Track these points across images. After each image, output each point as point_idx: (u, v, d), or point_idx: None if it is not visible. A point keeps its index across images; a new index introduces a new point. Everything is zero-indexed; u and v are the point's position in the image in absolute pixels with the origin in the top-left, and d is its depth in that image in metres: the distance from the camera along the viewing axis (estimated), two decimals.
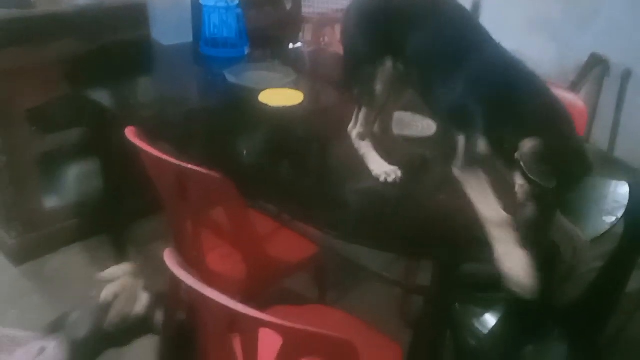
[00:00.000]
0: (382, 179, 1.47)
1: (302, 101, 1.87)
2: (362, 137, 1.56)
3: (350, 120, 1.59)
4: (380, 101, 1.51)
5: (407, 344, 1.51)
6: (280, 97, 1.87)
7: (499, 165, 1.23)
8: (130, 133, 1.58)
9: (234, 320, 1.09)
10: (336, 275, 2.29)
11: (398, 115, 1.68)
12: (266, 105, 1.83)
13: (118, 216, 2.50)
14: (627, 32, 2.68)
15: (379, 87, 1.48)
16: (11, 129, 2.21)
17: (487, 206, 1.23)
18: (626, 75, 2.73)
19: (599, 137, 2.62)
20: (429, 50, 1.39)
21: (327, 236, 1.54)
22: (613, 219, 1.38)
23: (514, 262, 1.15)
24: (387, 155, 1.52)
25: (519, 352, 1.12)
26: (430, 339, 1.46)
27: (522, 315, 1.53)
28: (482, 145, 1.23)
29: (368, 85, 1.49)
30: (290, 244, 1.81)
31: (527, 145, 1.12)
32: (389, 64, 1.46)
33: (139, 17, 2.28)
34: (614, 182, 1.56)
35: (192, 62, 2.29)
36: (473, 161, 1.26)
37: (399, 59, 1.45)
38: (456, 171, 1.30)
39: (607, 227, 1.36)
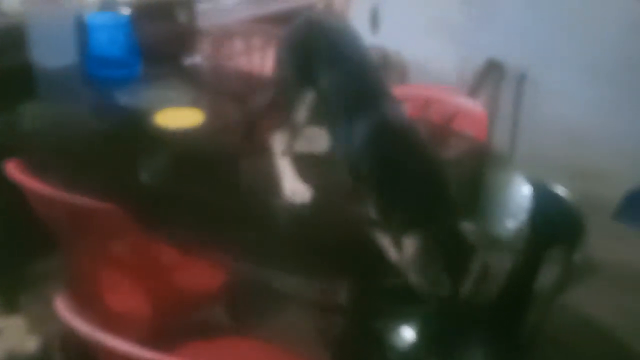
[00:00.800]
0: (290, 198, 1.45)
1: (202, 121, 1.81)
2: (282, 154, 1.56)
3: (255, 137, 1.57)
4: (301, 124, 1.56)
5: None
6: (179, 117, 1.81)
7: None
8: (12, 168, 1.47)
9: None
10: (252, 302, 2.24)
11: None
12: (164, 127, 1.76)
13: (5, 260, 2.32)
14: (522, 35, 2.83)
15: (300, 112, 1.53)
16: None
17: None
18: (522, 78, 2.88)
19: (500, 139, 2.74)
20: (335, 94, 1.45)
21: (237, 262, 1.50)
22: (517, 221, 1.43)
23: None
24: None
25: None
26: (350, 358, 1.45)
27: (441, 323, 1.56)
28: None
29: (290, 108, 1.54)
30: (198, 274, 1.73)
31: (410, 246, 1.16)
32: (310, 94, 1.51)
33: (15, 39, 2.13)
34: (516, 186, 1.62)
35: (80, 85, 2.16)
36: None
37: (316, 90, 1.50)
38: None
39: (512, 229, 1.40)
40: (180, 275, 1.68)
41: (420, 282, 1.18)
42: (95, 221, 1.40)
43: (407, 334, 1.57)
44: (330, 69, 1.47)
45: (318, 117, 1.55)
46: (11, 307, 2.25)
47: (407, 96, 1.96)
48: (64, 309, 1.02)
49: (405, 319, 1.62)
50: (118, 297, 1.63)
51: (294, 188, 1.47)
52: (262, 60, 2.58)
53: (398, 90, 1.68)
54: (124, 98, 1.91)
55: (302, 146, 1.60)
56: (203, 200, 1.56)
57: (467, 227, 1.19)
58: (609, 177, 3.20)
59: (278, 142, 1.57)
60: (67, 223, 1.45)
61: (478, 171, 1.83)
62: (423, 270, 1.15)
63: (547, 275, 1.55)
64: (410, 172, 1.24)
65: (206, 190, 1.60)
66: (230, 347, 1.48)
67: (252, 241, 1.37)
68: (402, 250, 1.18)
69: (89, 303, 1.60)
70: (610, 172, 3.21)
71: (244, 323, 1.91)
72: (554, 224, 1.52)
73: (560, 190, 1.59)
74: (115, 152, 1.71)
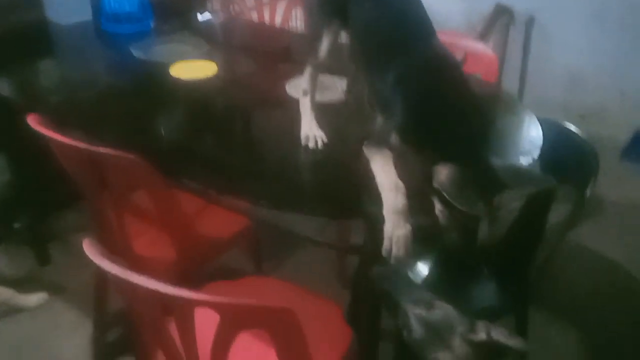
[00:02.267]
0: (304, 142, 1.45)
1: (217, 72, 1.80)
2: (305, 93, 1.53)
3: (269, 87, 1.56)
4: (321, 60, 1.50)
5: (347, 304, 1.53)
6: (193, 69, 1.80)
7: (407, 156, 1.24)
8: (33, 121, 1.47)
9: (166, 304, 1.05)
10: (271, 246, 2.27)
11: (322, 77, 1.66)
12: (179, 79, 1.76)
13: (33, 212, 2.36)
14: None
15: (324, 45, 1.48)
16: None
17: (387, 182, 1.22)
18: (530, 23, 2.82)
19: (509, 83, 2.70)
20: (369, 29, 1.38)
21: (257, 207, 1.51)
22: (530, 159, 1.43)
23: (397, 237, 1.18)
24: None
25: (452, 296, 1.15)
26: (367, 295, 1.48)
27: (453, 260, 1.58)
28: (394, 139, 1.24)
29: (315, 43, 1.49)
30: (219, 220, 1.76)
31: (443, 173, 1.13)
32: (335, 27, 1.46)
33: None
34: (527, 125, 1.61)
35: (95, 41, 2.16)
36: (382, 143, 1.26)
37: (345, 25, 1.44)
38: (365, 146, 1.30)
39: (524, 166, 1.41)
40: (203, 222, 1.72)
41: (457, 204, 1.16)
42: (118, 170, 1.41)
43: (422, 271, 1.60)
44: (363, 3, 1.39)
45: (350, 52, 1.49)
46: (42, 259, 2.30)
47: None
48: (92, 253, 1.03)
49: (419, 257, 1.65)
50: (144, 244, 1.66)
51: (311, 132, 1.46)
52: (272, 15, 2.54)
53: None
54: (139, 52, 1.89)
55: (319, 95, 1.59)
56: (220, 149, 1.57)
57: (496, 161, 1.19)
58: (614, 118, 3.17)
59: (295, 87, 1.54)
60: (91, 173, 1.46)
61: (491, 112, 1.82)
62: (457, 196, 1.13)
63: (558, 212, 1.56)
64: (456, 106, 1.21)
65: (222, 139, 1.61)
66: (251, 287, 1.51)
67: (270, 187, 1.38)
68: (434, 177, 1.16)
69: (117, 251, 1.64)
70: (615, 113, 3.18)
71: (265, 266, 1.94)
72: (567, 160, 1.52)
73: (572, 128, 1.57)
74: (132, 104, 1.71)
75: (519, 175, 1.27)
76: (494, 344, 1.05)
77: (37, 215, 2.36)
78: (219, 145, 1.60)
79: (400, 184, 1.21)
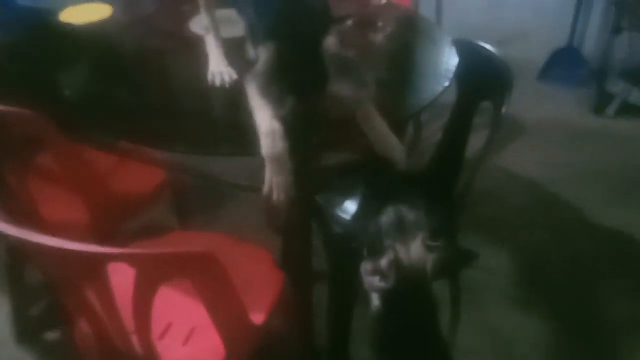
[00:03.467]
0: (212, 80, 1.36)
1: (112, 15, 1.65)
2: (207, 30, 1.45)
3: (171, 27, 1.44)
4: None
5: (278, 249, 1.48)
6: (86, 13, 1.63)
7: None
8: None
9: (77, 264, 0.96)
10: (202, 200, 2.19)
11: (223, 13, 1.54)
12: (70, 24, 1.59)
13: None
14: None
15: None
16: None
17: (264, 125, 1.15)
18: None
19: (426, 10, 2.64)
20: None
21: (173, 156, 1.41)
22: (446, 83, 1.39)
23: (276, 183, 1.14)
24: None
25: (382, 228, 1.11)
26: (298, 236, 1.43)
27: (379, 192, 1.55)
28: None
29: None
30: (135, 176, 1.64)
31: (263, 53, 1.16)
32: None
33: None
34: (444, 50, 1.57)
35: None
36: (259, 79, 1.19)
37: None
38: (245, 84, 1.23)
39: (441, 89, 1.37)
40: (115, 179, 1.60)
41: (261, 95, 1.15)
42: (12, 129, 1.27)
43: (350, 206, 1.56)
44: None
45: None
46: None
47: None
48: None
49: (346, 193, 1.61)
50: (55, 209, 1.52)
51: (218, 69, 1.37)
52: None
53: None
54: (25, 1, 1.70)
55: (225, 31, 1.48)
56: (126, 96, 1.44)
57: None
58: (532, 39, 3.20)
59: (199, 25, 1.44)
60: None
61: (406, 36, 1.77)
62: (266, 82, 1.13)
63: (477, 132, 1.54)
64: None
65: (128, 85, 1.48)
66: (176, 240, 1.43)
67: (182, 130, 1.28)
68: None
69: (25, 220, 1.50)
70: (533, 34, 3.21)
71: (197, 221, 1.85)
72: (483, 80, 1.49)
73: (488, 49, 1.54)
74: (23, 59, 1.55)
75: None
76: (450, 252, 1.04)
77: None
78: (124, 92, 1.47)
79: (278, 126, 1.13)
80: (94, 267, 0.97)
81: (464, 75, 1.48)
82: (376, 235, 1.10)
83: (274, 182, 1.14)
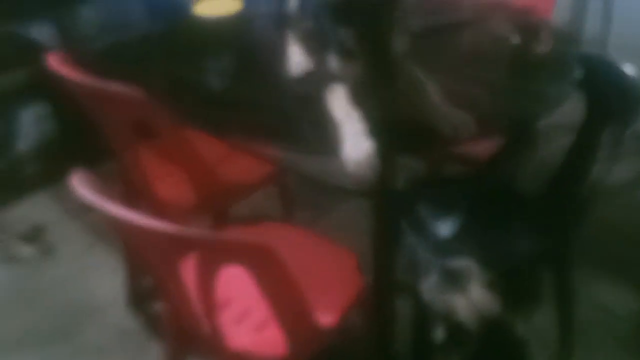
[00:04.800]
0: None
1: (240, 9, 1.71)
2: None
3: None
4: None
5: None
6: (217, 6, 1.71)
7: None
8: (52, 60, 1.44)
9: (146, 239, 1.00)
10: (312, 196, 2.20)
11: None
12: (202, 16, 1.68)
13: (80, 159, 2.39)
14: None
15: None
16: None
17: (339, 112, 1.17)
18: None
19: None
20: None
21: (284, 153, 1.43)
22: (568, 96, 1.27)
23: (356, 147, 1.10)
24: None
25: (484, 247, 1.04)
26: (381, 243, 1.38)
27: (485, 208, 1.45)
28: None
29: None
30: (243, 165, 1.70)
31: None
32: None
33: None
34: (574, 55, 1.43)
35: None
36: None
37: None
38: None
39: (568, 94, 1.27)
40: (224, 166, 1.65)
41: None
42: (126, 108, 1.36)
43: (446, 221, 1.47)
44: None
45: None
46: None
47: None
48: (78, 185, 0.98)
49: (448, 205, 1.52)
50: (167, 187, 1.62)
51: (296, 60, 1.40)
52: None
53: None
54: None
55: None
56: (244, 89, 1.48)
57: None
58: None
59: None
60: (104, 112, 1.42)
61: (527, 43, 1.63)
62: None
63: (600, 152, 1.38)
64: None
65: (247, 81, 1.52)
66: (263, 230, 1.44)
67: (297, 129, 1.28)
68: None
69: (140, 195, 1.62)
70: None
71: (303, 216, 1.87)
72: (612, 99, 1.33)
73: (627, 68, 1.37)
74: (159, 47, 1.65)
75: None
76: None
77: (83, 162, 2.39)
78: (243, 86, 1.51)
79: (354, 112, 1.15)
80: (162, 243, 0.99)
81: (591, 92, 1.34)
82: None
83: (352, 160, 1.11)
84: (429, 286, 1.03)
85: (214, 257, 0.96)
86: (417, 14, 1.27)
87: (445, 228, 1.45)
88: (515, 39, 1.51)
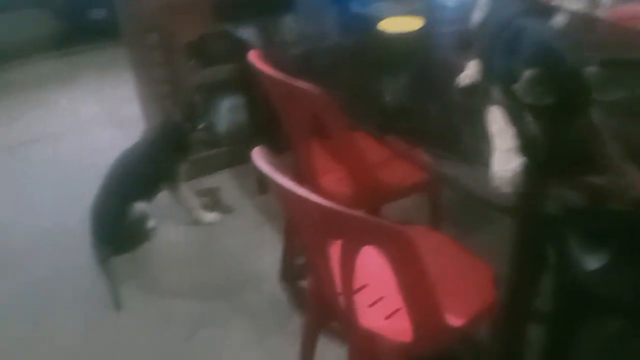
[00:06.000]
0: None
1: (422, 27, 1.81)
2: None
3: None
4: None
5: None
6: (401, 24, 1.83)
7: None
8: (253, 55, 1.67)
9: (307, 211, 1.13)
10: (460, 215, 2.22)
11: None
12: (385, 32, 1.81)
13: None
14: None
15: None
16: (174, 61, 2.45)
17: (496, 128, 1.22)
18: None
19: None
20: None
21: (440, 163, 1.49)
22: None
23: (504, 163, 1.14)
24: None
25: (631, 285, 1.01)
26: (528, 262, 1.37)
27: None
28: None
29: None
30: (401, 170, 1.79)
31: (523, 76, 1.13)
32: None
33: None
34: None
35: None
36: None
37: None
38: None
39: None
40: (384, 168, 1.75)
41: None
42: (304, 103, 1.51)
43: (597, 253, 1.41)
44: None
45: None
46: (262, 189, 2.61)
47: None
48: (257, 156, 1.15)
49: (595, 237, 1.45)
50: (331, 180, 1.77)
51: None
52: None
53: None
54: (357, 8, 1.98)
55: None
56: (416, 100, 1.56)
57: None
58: None
59: None
60: (286, 104, 1.60)
61: None
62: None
63: None
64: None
65: (419, 92, 1.60)
66: (414, 230, 1.50)
67: (460, 142, 1.35)
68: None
69: (306, 184, 1.78)
70: None
71: (440, 225, 1.91)
72: None
73: None
74: (345, 55, 1.80)
75: None
76: None
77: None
78: (416, 96, 1.60)
79: (508, 129, 1.19)
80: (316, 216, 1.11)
81: None
82: None
83: (499, 174, 1.15)
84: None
85: (359, 237, 1.06)
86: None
87: (592, 261, 1.40)
88: None
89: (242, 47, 2.11)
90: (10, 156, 3.11)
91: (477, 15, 1.63)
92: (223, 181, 2.70)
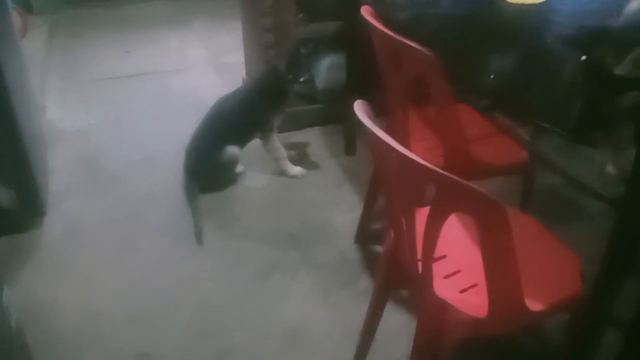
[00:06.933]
0: None
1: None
2: None
3: None
4: None
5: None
6: None
7: None
8: (365, 10, 1.63)
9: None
10: (551, 202, 2.11)
11: None
12: (507, 2, 1.70)
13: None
14: None
15: None
16: (283, 12, 2.45)
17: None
18: None
19: None
20: None
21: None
22: None
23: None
24: None
25: None
26: (619, 260, 1.27)
27: None
28: None
29: None
30: (499, 147, 1.71)
31: None
32: None
33: None
34: None
35: None
36: None
37: None
38: None
39: None
40: (481, 144, 1.68)
41: None
42: (411, 60, 1.47)
43: None
44: None
45: None
46: (350, 149, 2.59)
47: None
48: (358, 109, 1.13)
49: None
50: (421, 148, 1.71)
51: None
52: None
53: None
54: None
55: None
56: (526, 75, 1.47)
57: None
58: None
59: None
60: (391, 60, 1.55)
61: None
62: None
63: None
64: None
65: (530, 67, 1.50)
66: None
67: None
68: None
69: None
70: None
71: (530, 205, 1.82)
72: None
73: None
74: (464, 24, 1.71)
75: None
76: None
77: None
78: (526, 71, 1.50)
79: None
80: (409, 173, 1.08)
81: None
82: None
83: None
84: None
85: (454, 202, 1.02)
86: None
87: None
88: None
89: (351, 5, 2.08)
90: (120, 87, 3.27)
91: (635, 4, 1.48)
92: (312, 138, 2.70)
